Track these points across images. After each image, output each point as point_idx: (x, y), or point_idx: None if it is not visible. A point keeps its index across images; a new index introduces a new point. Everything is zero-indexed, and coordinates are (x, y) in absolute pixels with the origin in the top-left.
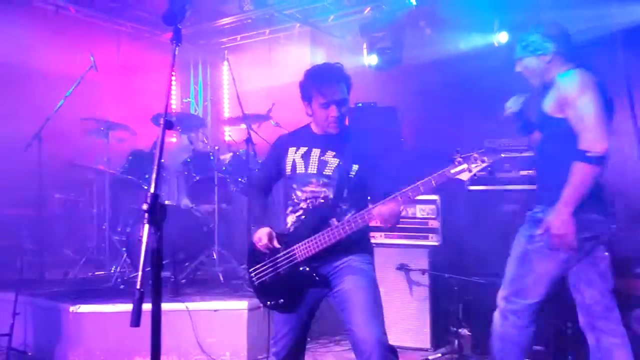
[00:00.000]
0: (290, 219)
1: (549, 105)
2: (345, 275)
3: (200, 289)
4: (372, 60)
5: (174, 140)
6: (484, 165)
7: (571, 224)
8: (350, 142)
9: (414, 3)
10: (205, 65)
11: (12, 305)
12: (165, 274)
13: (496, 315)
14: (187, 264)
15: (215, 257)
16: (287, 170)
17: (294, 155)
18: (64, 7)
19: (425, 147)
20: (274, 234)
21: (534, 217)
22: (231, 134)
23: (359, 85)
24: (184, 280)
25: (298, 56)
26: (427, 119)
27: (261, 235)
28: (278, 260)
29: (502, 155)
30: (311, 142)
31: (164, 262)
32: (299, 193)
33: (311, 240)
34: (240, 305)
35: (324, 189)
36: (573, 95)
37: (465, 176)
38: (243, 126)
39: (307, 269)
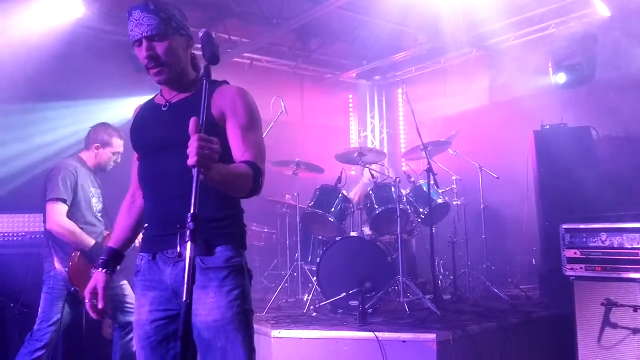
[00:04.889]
0: None
1: None
2: None
3: (387, 319)
4: (559, 78)
5: (353, 173)
6: None
7: None
8: None
9: (609, 14)
10: (381, 99)
11: None
12: (353, 303)
13: None
14: (373, 293)
15: (399, 287)
16: None
17: None
18: (257, 59)
19: (623, 169)
20: None
21: None
22: (409, 164)
23: (545, 106)
24: (370, 310)
25: (475, 82)
26: (625, 138)
27: None
28: None
29: None
30: None
31: (351, 292)
32: None
33: None
34: (429, 337)
35: None
36: None
37: None
38: (423, 154)
39: None
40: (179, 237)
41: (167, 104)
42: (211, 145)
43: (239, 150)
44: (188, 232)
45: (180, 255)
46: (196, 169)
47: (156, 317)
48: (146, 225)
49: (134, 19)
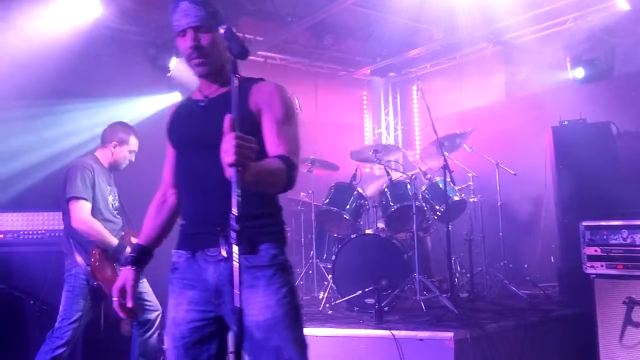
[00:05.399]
0: None
1: None
2: None
3: (403, 317)
4: (577, 73)
5: (367, 170)
6: None
7: None
8: None
9: (627, 7)
10: (395, 96)
11: None
12: (369, 300)
13: None
14: (389, 291)
15: (416, 285)
16: None
17: None
18: (271, 57)
19: None
20: None
21: None
22: (425, 161)
23: (563, 102)
24: (386, 308)
25: (492, 78)
26: None
27: None
28: None
29: None
30: None
31: (367, 289)
32: None
33: None
34: (446, 335)
35: None
36: None
37: None
38: (438, 151)
39: None
40: (221, 239)
41: (206, 98)
42: (249, 144)
43: (273, 144)
44: (233, 235)
45: (227, 259)
46: (234, 168)
47: (193, 317)
48: (183, 222)
49: (181, 9)
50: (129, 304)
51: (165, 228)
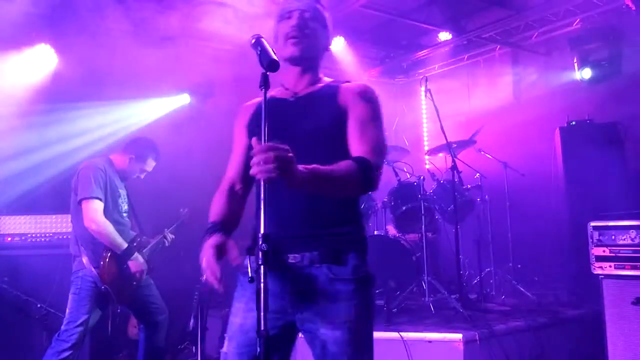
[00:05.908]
0: None
1: None
2: None
3: (412, 319)
4: (585, 74)
5: None
6: None
7: None
8: None
9: (634, 7)
10: (403, 97)
11: None
12: (377, 302)
13: None
14: (397, 292)
15: (424, 286)
16: None
17: None
18: None
19: None
20: None
21: None
22: (433, 162)
23: (571, 102)
24: (395, 309)
25: (500, 79)
26: None
27: None
28: None
29: None
30: None
31: (376, 291)
32: None
33: None
34: (455, 337)
35: None
36: None
37: None
38: (441, 155)
39: None
40: (258, 257)
41: (295, 95)
42: (279, 153)
43: (354, 144)
44: (260, 254)
45: (253, 280)
46: (262, 181)
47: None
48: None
49: None
50: (235, 259)
51: (237, 216)
